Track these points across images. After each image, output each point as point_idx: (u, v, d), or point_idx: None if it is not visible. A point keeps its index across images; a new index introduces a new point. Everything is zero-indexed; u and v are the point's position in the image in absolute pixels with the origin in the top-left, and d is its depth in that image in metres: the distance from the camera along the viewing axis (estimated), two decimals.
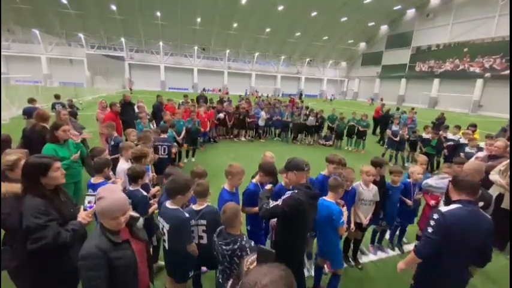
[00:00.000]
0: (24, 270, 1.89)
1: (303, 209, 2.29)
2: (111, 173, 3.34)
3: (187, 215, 2.32)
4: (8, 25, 35.59)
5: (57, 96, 10.29)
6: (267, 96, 32.72)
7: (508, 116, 25.95)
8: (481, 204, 2.86)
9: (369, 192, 3.39)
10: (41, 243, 1.72)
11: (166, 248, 2.41)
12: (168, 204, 2.35)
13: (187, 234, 2.32)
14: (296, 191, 2.38)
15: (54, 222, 1.81)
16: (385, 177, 3.71)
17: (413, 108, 12.94)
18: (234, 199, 2.79)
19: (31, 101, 8.59)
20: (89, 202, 2.10)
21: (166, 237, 2.35)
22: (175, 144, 5.50)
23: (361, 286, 3.37)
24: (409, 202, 3.81)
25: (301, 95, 45.03)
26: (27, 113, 7.87)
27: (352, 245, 3.76)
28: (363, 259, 3.87)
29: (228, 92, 40.44)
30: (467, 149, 6.27)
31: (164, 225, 2.33)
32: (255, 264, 1.50)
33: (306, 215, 2.37)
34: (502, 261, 4.03)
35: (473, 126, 8.22)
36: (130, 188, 2.91)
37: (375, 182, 3.47)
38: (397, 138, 8.66)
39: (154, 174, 4.43)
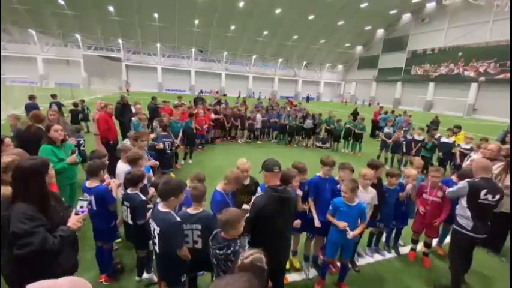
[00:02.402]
0: (16, 275, 1.86)
1: (266, 213, 2.25)
2: (106, 175, 3.31)
3: (178, 218, 2.28)
4: (4, 25, 35.28)
5: (53, 96, 10.71)
6: (269, 99, 32.71)
7: (501, 119, 26.36)
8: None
9: (367, 195, 3.40)
10: (27, 250, 1.66)
11: (157, 251, 2.38)
12: (160, 207, 2.32)
13: (178, 238, 2.27)
14: (261, 194, 2.40)
15: (41, 228, 1.76)
16: (381, 180, 3.74)
17: (405, 112, 13.12)
18: (226, 201, 2.82)
19: (31, 97, 9.64)
20: (81, 207, 2.06)
21: (157, 241, 2.32)
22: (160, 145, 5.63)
23: None
24: (407, 190, 3.82)
25: (307, 98, 45.50)
26: (29, 109, 8.93)
27: None
28: (360, 261, 3.87)
29: (240, 94, 40.24)
30: (472, 154, 6.29)
31: (155, 228, 2.30)
32: (251, 258, 1.48)
33: (271, 219, 2.31)
34: (497, 263, 4.07)
35: (458, 127, 8.39)
36: (129, 192, 2.89)
37: (372, 185, 3.49)
38: (390, 141, 8.74)
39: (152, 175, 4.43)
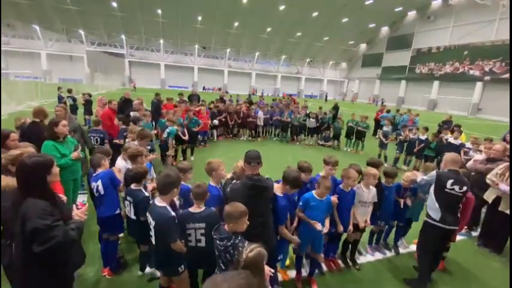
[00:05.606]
0: (20, 267, 1.89)
1: (239, 198, 2.25)
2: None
3: (173, 213, 2.30)
4: (8, 20, 35.37)
5: (69, 90, 11.37)
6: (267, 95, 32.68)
7: (506, 119, 26.10)
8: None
9: (369, 194, 3.41)
10: (51, 244, 1.68)
11: (153, 243, 2.44)
12: (157, 201, 2.35)
13: (171, 232, 2.28)
14: (237, 182, 2.60)
15: (60, 221, 1.80)
16: (380, 178, 3.73)
17: (409, 110, 13.13)
18: (221, 194, 2.87)
19: (59, 88, 11.67)
20: (81, 201, 2.11)
21: (153, 233, 2.39)
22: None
23: (359, 286, 3.39)
24: (408, 202, 3.84)
25: (326, 96, 45.42)
26: (60, 100, 11.10)
27: (350, 246, 3.77)
28: (361, 259, 3.89)
29: (255, 93, 39.99)
30: (471, 153, 6.32)
31: (151, 222, 2.36)
32: (255, 251, 1.50)
33: (245, 204, 2.21)
34: (498, 264, 4.06)
35: (458, 126, 8.43)
36: (133, 187, 2.92)
37: None
38: (388, 140, 8.79)
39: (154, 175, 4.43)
